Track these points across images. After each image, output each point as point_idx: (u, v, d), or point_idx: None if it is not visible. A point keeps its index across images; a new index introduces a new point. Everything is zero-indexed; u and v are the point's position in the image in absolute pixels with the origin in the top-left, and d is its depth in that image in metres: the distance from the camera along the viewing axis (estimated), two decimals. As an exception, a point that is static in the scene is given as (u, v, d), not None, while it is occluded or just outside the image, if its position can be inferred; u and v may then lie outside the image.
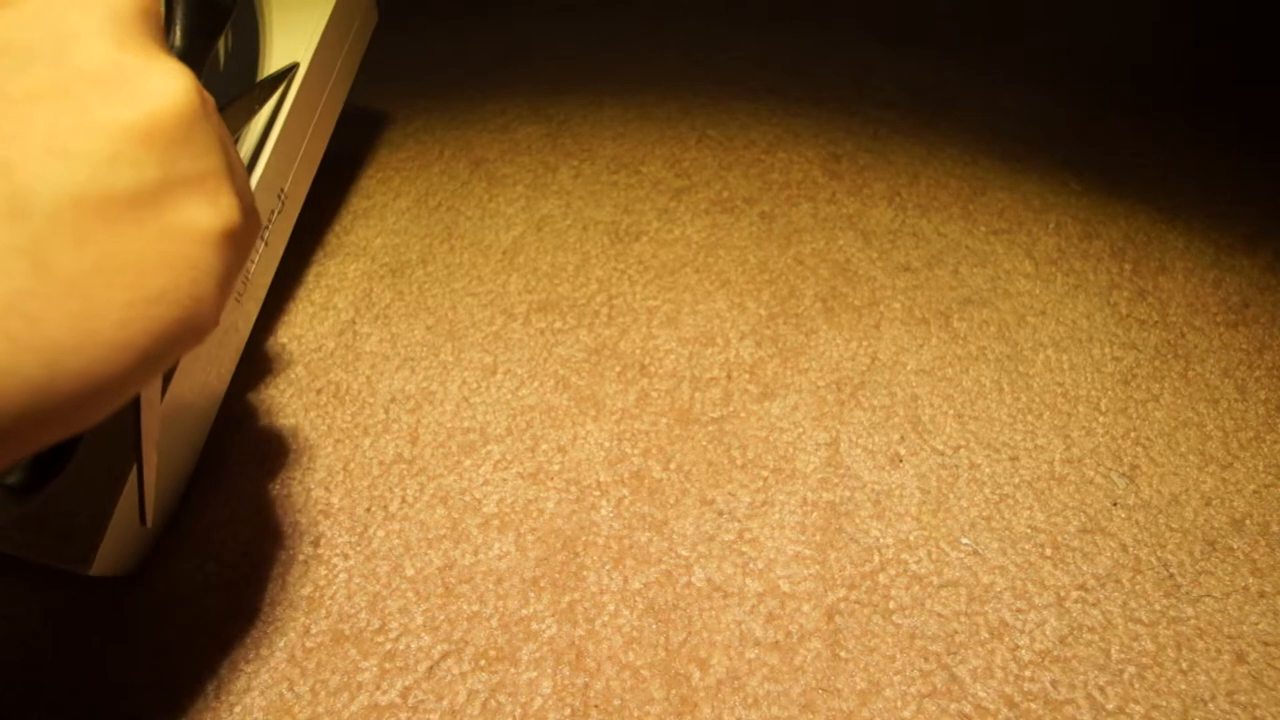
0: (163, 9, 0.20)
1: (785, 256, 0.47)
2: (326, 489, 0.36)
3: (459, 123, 0.56)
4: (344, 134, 0.55)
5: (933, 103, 0.59)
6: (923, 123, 0.57)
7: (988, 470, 0.38)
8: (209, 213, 0.18)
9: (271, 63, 0.39)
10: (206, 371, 0.36)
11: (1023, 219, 0.50)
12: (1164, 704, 0.30)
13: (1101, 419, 0.40)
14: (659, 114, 0.57)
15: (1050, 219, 0.50)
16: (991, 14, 0.69)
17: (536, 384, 0.41)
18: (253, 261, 0.38)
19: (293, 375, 0.41)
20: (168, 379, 0.31)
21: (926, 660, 0.31)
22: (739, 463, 0.38)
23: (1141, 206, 0.52)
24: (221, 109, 0.32)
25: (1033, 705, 0.30)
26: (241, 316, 0.39)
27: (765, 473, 0.37)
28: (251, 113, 0.35)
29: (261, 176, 0.38)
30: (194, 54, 0.31)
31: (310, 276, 0.46)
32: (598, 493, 0.36)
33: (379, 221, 0.49)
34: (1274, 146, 0.57)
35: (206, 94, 0.19)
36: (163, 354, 0.18)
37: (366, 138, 0.55)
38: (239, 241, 0.19)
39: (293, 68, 0.38)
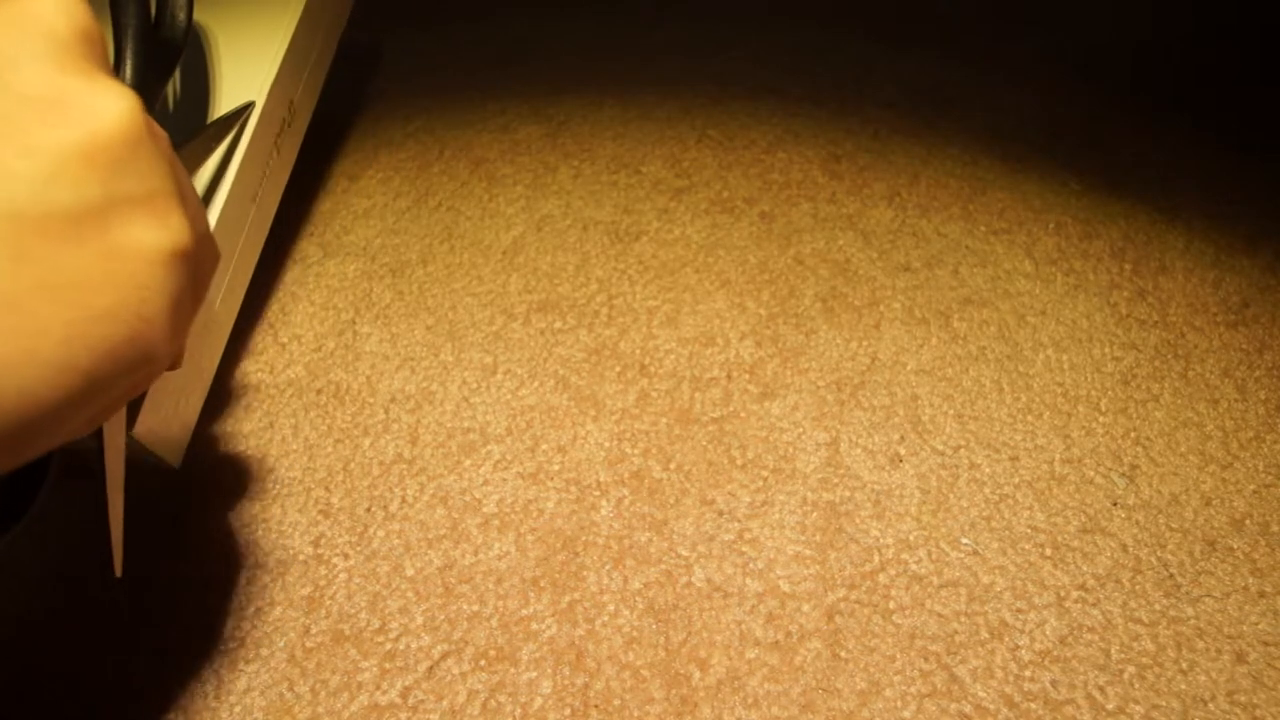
0: (105, 36, 0.20)
1: (785, 256, 0.47)
2: (326, 489, 0.36)
3: (459, 123, 0.56)
4: (343, 133, 0.55)
5: (933, 103, 0.59)
6: (923, 123, 0.57)
7: (988, 470, 0.38)
8: (157, 232, 0.18)
9: (224, 92, 0.39)
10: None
11: (1023, 219, 0.50)
12: (1164, 704, 0.30)
13: (1101, 419, 0.40)
14: (659, 114, 0.57)
15: (1050, 219, 0.50)
16: (991, 14, 0.69)
17: (536, 384, 0.41)
18: (219, 291, 0.38)
19: (292, 375, 0.41)
20: (131, 427, 0.30)
21: (926, 660, 0.31)
22: (739, 463, 0.38)
23: (1141, 206, 0.52)
24: (180, 150, 0.32)
25: (1033, 705, 0.30)
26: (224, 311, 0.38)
27: (765, 473, 0.37)
28: (208, 151, 0.35)
29: (272, 87, 0.39)
30: (146, 93, 0.31)
31: (310, 276, 0.46)
32: (598, 493, 0.36)
33: (379, 221, 0.49)
34: (1274, 146, 0.57)
35: (151, 119, 0.19)
36: (110, 376, 0.17)
37: (366, 138, 0.55)
38: (193, 264, 0.19)
39: (248, 106, 0.38)
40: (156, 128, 0.19)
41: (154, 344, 0.18)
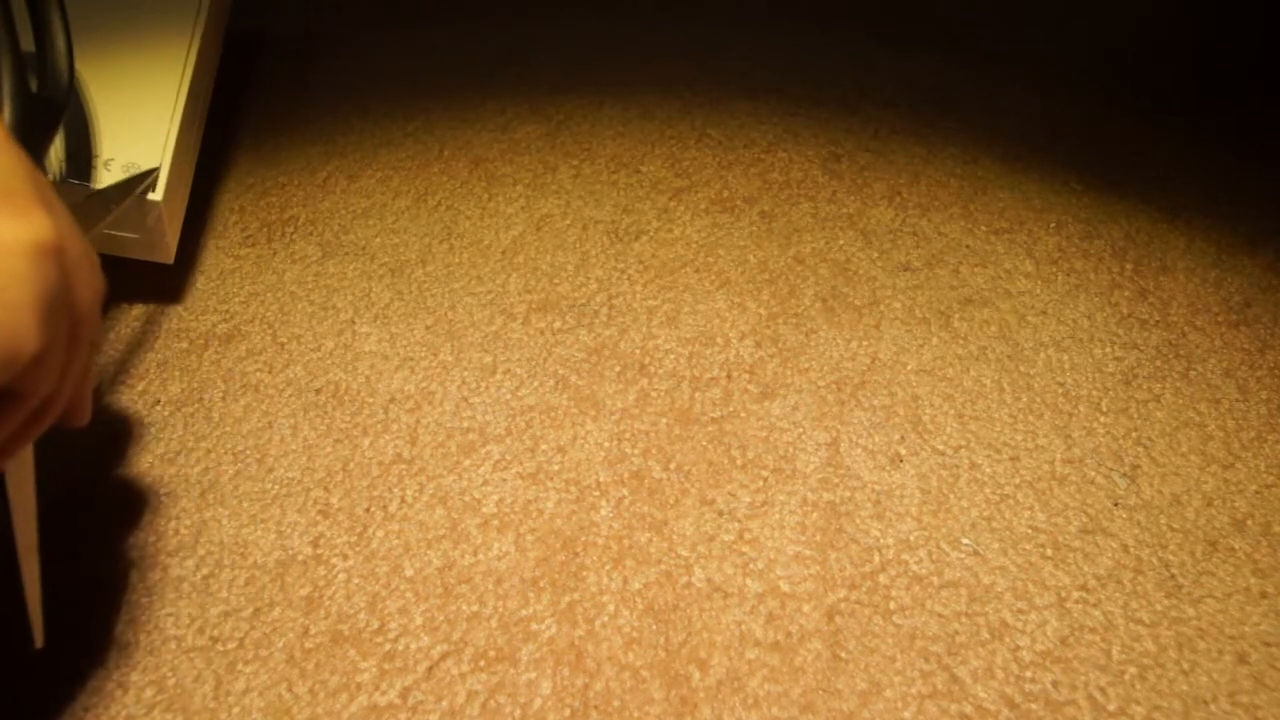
0: None
1: (785, 256, 0.47)
2: (326, 489, 0.36)
3: (459, 122, 0.56)
4: (342, 133, 0.55)
5: (933, 102, 0.59)
6: (923, 122, 0.57)
7: (988, 470, 0.38)
8: (16, 225, 0.18)
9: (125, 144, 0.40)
10: None
11: (1023, 218, 0.50)
12: (1165, 705, 0.30)
13: (1103, 419, 0.40)
14: (659, 114, 0.57)
15: (1051, 218, 0.50)
16: (992, 14, 0.69)
17: (536, 384, 0.40)
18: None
19: (291, 375, 0.41)
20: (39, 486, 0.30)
21: (927, 661, 0.31)
22: (739, 463, 0.37)
23: (1142, 206, 0.52)
24: (75, 206, 0.32)
25: (1034, 706, 0.30)
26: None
27: (765, 473, 0.37)
28: (108, 211, 0.35)
29: (176, 143, 0.42)
30: (28, 150, 0.31)
31: (309, 276, 0.46)
32: (598, 493, 0.36)
33: (378, 221, 0.49)
34: (1275, 147, 0.57)
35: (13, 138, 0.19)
36: None
37: (366, 138, 0.55)
38: (62, 266, 0.19)
39: (153, 172, 0.39)
40: (18, 145, 0.20)
41: (19, 337, 0.18)
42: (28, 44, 0.33)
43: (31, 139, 0.32)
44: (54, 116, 0.34)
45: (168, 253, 0.42)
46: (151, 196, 0.39)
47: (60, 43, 0.34)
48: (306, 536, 0.35)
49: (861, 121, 0.57)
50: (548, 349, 0.42)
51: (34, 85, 0.33)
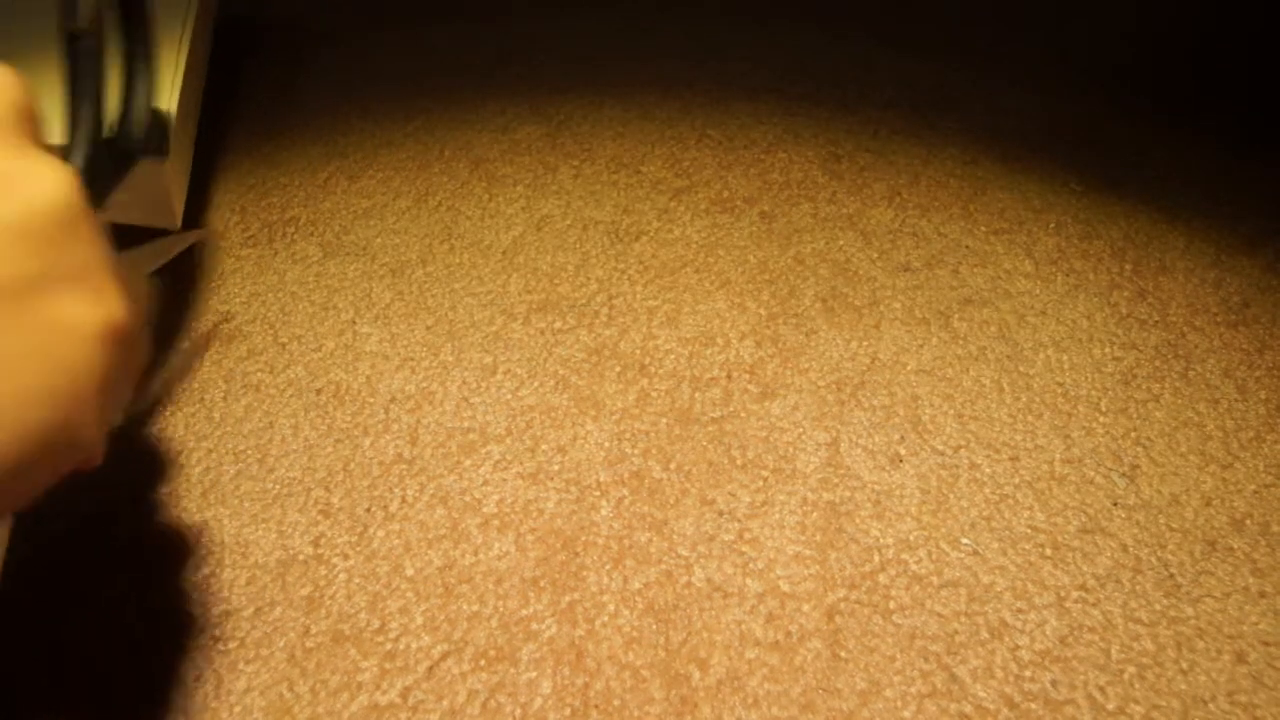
0: (40, 111, 0.20)
1: (785, 256, 0.47)
2: (326, 489, 0.36)
3: (459, 123, 0.56)
4: (342, 134, 0.55)
5: (933, 103, 0.59)
6: (923, 123, 0.57)
7: (988, 470, 0.38)
8: (92, 306, 0.18)
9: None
10: None
11: (1023, 219, 0.50)
12: (1164, 704, 0.30)
13: (1102, 419, 0.40)
14: (659, 114, 0.57)
15: (1050, 219, 0.50)
16: (992, 14, 0.69)
17: (536, 384, 0.41)
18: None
19: (292, 375, 0.41)
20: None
21: (926, 660, 0.31)
22: (739, 463, 0.38)
23: (1142, 206, 0.52)
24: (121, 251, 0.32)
25: (1033, 705, 0.30)
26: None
27: (765, 473, 0.37)
28: (139, 269, 0.35)
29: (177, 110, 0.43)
30: (92, 196, 0.31)
31: (310, 276, 0.46)
32: (598, 493, 0.36)
33: (379, 221, 0.49)
34: (1275, 147, 0.57)
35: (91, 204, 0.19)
36: (34, 463, 0.17)
37: (366, 138, 0.55)
38: (124, 342, 0.19)
39: (199, 234, 0.42)
40: (94, 217, 0.19)
41: (82, 429, 0.17)
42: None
43: (97, 187, 0.32)
44: (123, 165, 0.34)
45: (173, 218, 0.43)
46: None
47: (141, 98, 0.34)
48: (307, 536, 0.35)
49: (861, 122, 0.57)
50: (548, 349, 0.42)
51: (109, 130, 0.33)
